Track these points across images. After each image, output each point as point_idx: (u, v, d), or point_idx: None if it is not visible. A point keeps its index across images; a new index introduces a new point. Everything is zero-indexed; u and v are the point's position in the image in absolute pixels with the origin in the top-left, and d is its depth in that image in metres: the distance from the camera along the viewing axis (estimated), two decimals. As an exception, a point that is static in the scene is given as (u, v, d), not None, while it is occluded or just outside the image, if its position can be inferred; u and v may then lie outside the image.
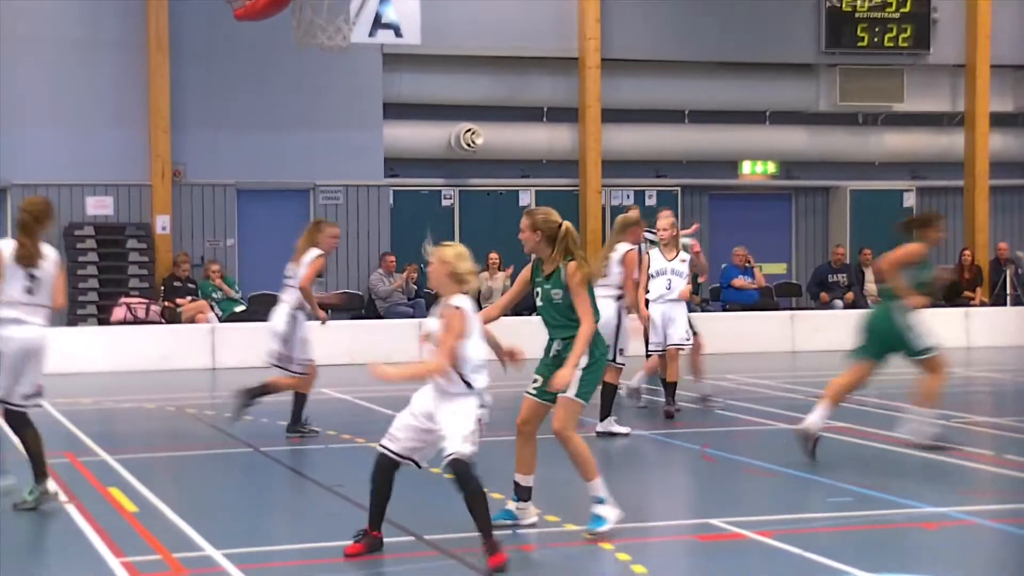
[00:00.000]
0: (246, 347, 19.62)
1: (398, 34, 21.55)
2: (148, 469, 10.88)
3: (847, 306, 22.66)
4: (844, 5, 23.44)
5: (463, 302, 7.79)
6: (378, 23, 20.77)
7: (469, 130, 22.47)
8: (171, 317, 20.11)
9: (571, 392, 8.42)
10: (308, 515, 9.47)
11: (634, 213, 13.38)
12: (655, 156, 23.74)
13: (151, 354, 18.90)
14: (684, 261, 13.84)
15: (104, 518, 8.94)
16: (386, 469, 7.95)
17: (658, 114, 23.61)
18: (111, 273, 20.73)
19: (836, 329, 21.52)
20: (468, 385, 7.81)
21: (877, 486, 9.93)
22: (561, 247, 8.41)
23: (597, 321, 8.46)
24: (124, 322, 19.64)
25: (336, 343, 19.94)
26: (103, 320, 20.10)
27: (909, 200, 24.57)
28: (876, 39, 23.62)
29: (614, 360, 12.12)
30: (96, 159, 20.49)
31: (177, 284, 20.59)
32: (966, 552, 8.29)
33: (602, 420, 12.56)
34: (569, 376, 8.29)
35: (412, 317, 20.94)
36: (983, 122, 23.73)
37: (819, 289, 23.08)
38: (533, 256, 8.78)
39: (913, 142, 24.61)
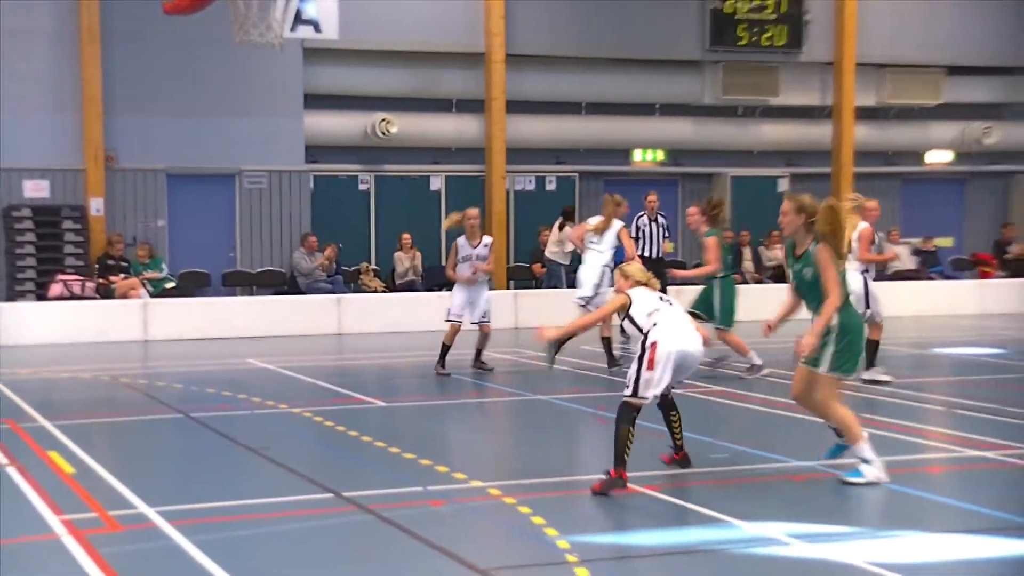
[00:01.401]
0: (176, 320, 19.51)
1: (317, 29, 21.40)
2: (85, 434, 10.79)
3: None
4: (726, 7, 23.68)
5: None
6: (299, 19, 20.63)
7: (384, 119, 22.40)
8: (105, 293, 19.86)
9: (823, 368, 8.59)
10: (235, 475, 9.46)
11: (867, 201, 14.65)
12: (555, 144, 23.84)
13: (87, 327, 18.68)
14: None
15: (44, 480, 8.88)
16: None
17: (558, 106, 23.69)
18: (48, 252, 20.42)
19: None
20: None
21: (751, 444, 10.13)
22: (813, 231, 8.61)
23: (846, 298, 8.63)
24: (61, 298, 19.36)
25: (259, 317, 19.88)
26: (41, 296, 19.81)
27: (783, 185, 24.91)
28: (754, 39, 23.88)
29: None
30: (32, 144, 20.15)
31: (111, 262, 20.34)
32: (828, 501, 8.50)
33: (867, 370, 13.34)
34: (811, 342, 8.50)
35: (332, 292, 20.90)
36: (849, 115, 24.14)
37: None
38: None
39: (787, 133, 24.94)
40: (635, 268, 9.07)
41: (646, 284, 8.88)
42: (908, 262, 24.49)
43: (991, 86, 25.81)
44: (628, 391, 8.55)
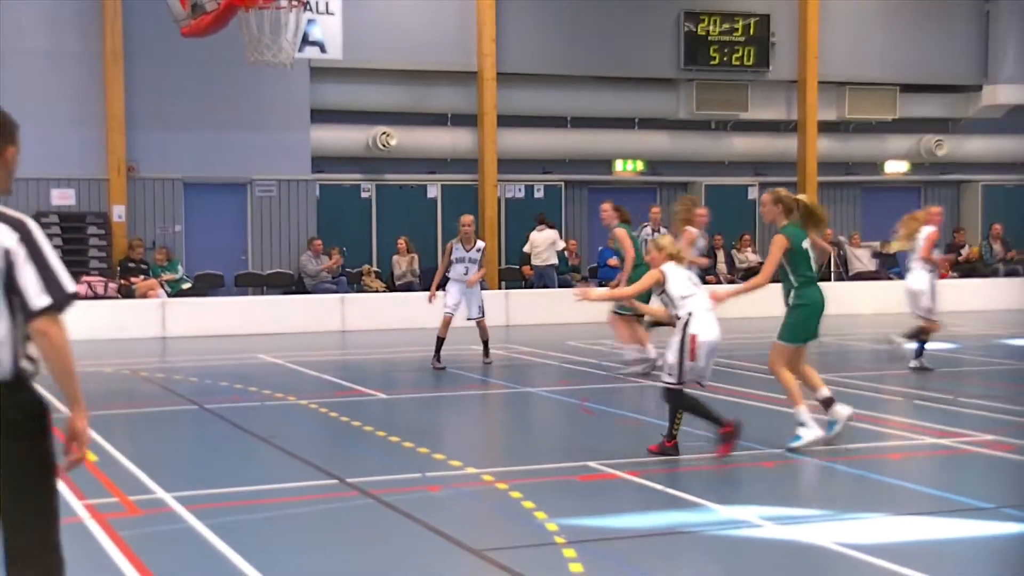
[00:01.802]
0: (192, 318, 19.42)
1: (323, 50, 21.44)
2: (107, 424, 10.69)
3: (704, 282, 22.92)
4: (699, 30, 23.64)
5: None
6: (306, 41, 20.70)
7: (384, 133, 22.34)
8: (126, 293, 19.76)
9: (777, 337, 9.25)
10: (246, 463, 9.38)
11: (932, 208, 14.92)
12: (542, 155, 23.79)
13: (108, 325, 18.56)
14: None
15: (68, 467, 8.78)
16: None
17: (545, 120, 23.65)
18: (73, 255, 20.27)
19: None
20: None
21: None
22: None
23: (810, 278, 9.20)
24: (85, 298, 19.23)
25: (269, 315, 19.80)
26: (67, 295, 19.64)
27: (752, 194, 24.91)
28: (725, 58, 23.85)
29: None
30: (60, 156, 20.05)
31: (131, 265, 20.23)
32: (798, 485, 8.45)
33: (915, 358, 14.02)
34: (716, 296, 9.35)
35: (336, 293, 20.82)
36: (812, 129, 24.11)
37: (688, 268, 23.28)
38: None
39: (756, 145, 24.92)
40: (667, 240, 9.27)
41: (675, 257, 9.06)
42: (868, 264, 24.49)
43: (941, 102, 25.83)
44: (672, 379, 8.71)
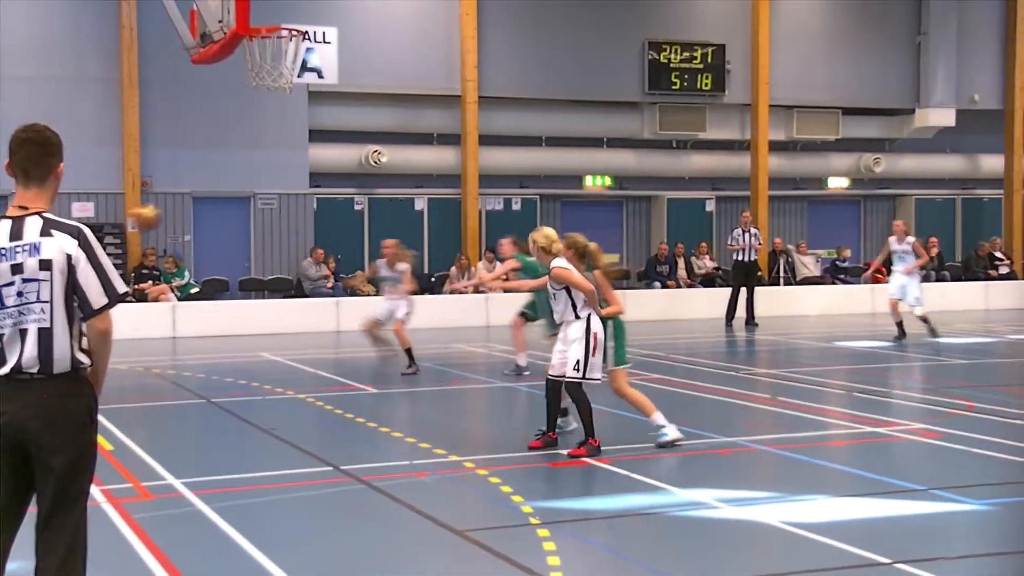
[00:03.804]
0: (200, 320, 19.33)
1: (320, 75, 21.41)
2: (121, 416, 10.64)
3: (664, 286, 23.04)
4: (661, 58, 23.69)
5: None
6: (304, 67, 20.68)
7: (375, 151, 22.29)
8: (140, 297, 19.64)
9: (610, 365, 8.95)
10: (249, 451, 9.34)
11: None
12: (520, 172, 23.78)
13: (123, 326, 18.23)
14: None
15: (86, 456, 8.73)
16: (552, 387, 8.74)
17: (522, 139, 23.64)
18: (92, 262, 20.18)
19: (652, 305, 21.96)
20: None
21: (685, 423, 10.07)
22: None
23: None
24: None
25: (270, 317, 19.74)
26: (85, 299, 19.54)
27: (710, 207, 24.97)
28: (686, 83, 23.90)
29: None
30: (80, 172, 19.87)
31: (144, 272, 20.13)
32: (750, 470, 8.48)
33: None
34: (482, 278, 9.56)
35: (331, 296, 20.77)
36: (764, 148, 24.20)
37: (653, 276, 23.38)
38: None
39: (713, 162, 24.98)
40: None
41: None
42: (814, 269, 24.58)
43: (879, 124, 25.95)
44: (578, 373, 8.58)
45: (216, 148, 21.01)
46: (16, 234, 4.23)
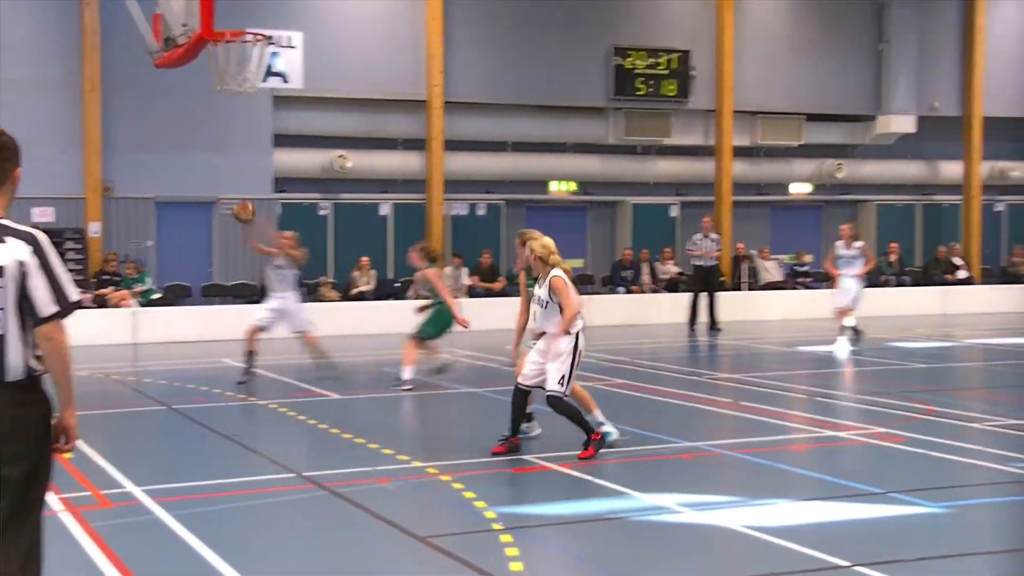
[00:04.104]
0: (161, 326, 19.17)
1: (285, 80, 21.32)
2: (81, 423, 10.42)
3: (629, 292, 23.12)
4: (626, 64, 23.77)
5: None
6: (269, 72, 20.57)
7: (341, 156, 22.22)
8: (101, 303, 19.45)
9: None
10: (211, 459, 9.26)
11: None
12: (485, 177, 23.77)
13: (84, 332, 18.17)
14: None
15: (45, 464, 8.63)
16: (520, 395, 8.82)
17: (487, 144, 23.62)
18: (53, 267, 19.98)
19: (616, 310, 22.04)
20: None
21: (647, 427, 10.12)
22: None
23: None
24: (64, 306, 18.88)
25: (233, 322, 19.58)
26: (46, 305, 19.33)
27: (675, 212, 25.07)
28: (650, 89, 23.99)
29: None
30: (41, 177, 19.61)
31: (106, 277, 19.92)
32: (712, 474, 8.51)
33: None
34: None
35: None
36: (728, 153, 24.33)
37: (618, 281, 23.43)
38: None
39: (678, 168, 25.07)
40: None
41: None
42: (776, 274, 24.74)
43: (841, 130, 26.16)
44: (561, 388, 8.56)
45: (179, 152, 20.86)
46: None
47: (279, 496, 7.69)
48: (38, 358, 4.34)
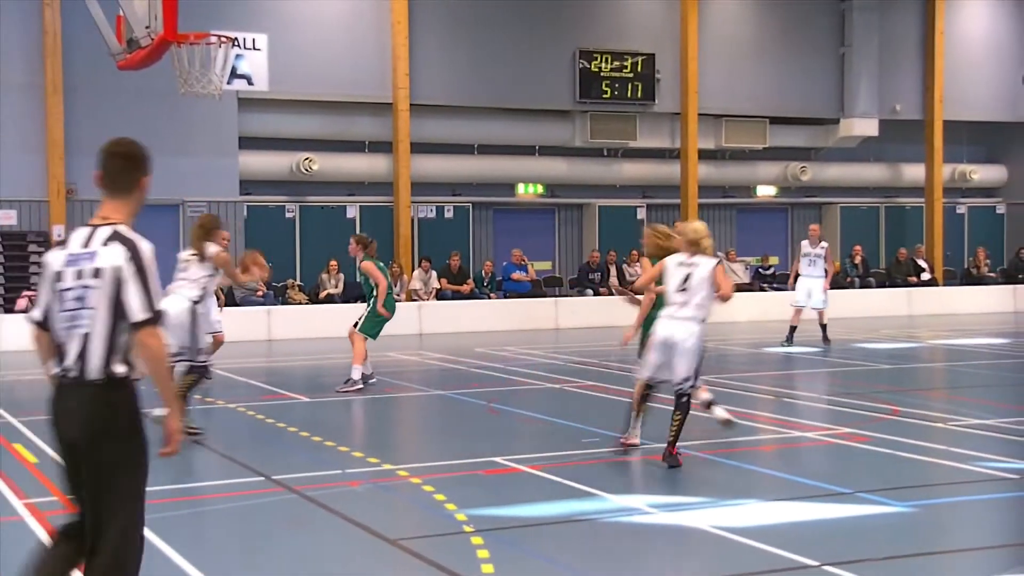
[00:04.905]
0: (128, 329, 18.97)
1: (250, 82, 21.17)
2: (46, 428, 10.39)
3: (596, 294, 23.18)
4: (592, 67, 23.84)
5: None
6: (234, 74, 20.42)
7: (307, 158, 22.13)
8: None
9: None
10: (178, 462, 9.14)
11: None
12: (452, 179, 23.76)
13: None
14: None
15: (9, 469, 8.52)
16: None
17: (454, 147, 23.62)
18: (15, 271, 19.77)
19: (588, 312, 22.10)
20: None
21: (618, 429, 10.13)
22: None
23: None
24: (25, 311, 18.70)
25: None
26: (8, 309, 19.14)
27: (641, 214, 25.16)
28: (616, 92, 24.08)
29: None
30: (3, 180, 19.53)
31: (71, 280, 19.71)
32: (681, 475, 8.53)
33: None
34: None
35: (263, 304, 20.55)
36: (693, 156, 24.46)
37: (585, 283, 23.49)
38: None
39: (643, 170, 25.18)
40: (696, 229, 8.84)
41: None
42: (743, 276, 24.89)
43: (805, 133, 26.38)
44: (692, 384, 8.61)
45: (144, 155, 20.64)
46: (87, 242, 4.49)
47: (248, 500, 7.64)
48: (127, 363, 4.45)
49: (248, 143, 21.66)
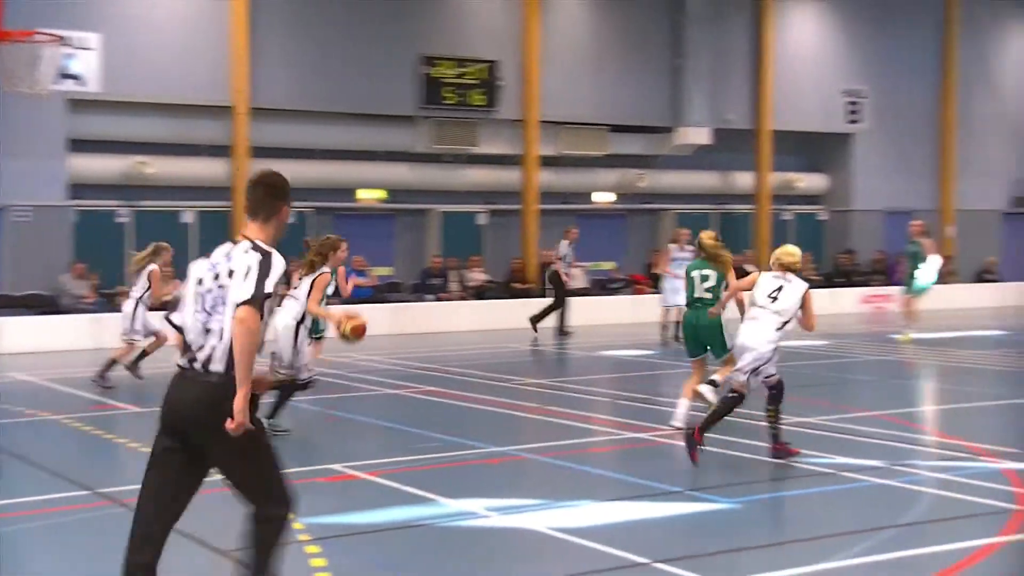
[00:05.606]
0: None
1: (82, 83, 20.35)
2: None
3: (437, 299, 23.17)
4: (434, 73, 23.83)
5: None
6: (64, 73, 19.59)
7: (141, 162, 21.42)
8: None
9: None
10: (-2, 478, 8.74)
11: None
12: (292, 184, 23.01)
13: None
14: None
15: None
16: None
17: (295, 151, 23.21)
18: None
19: (428, 318, 22.05)
20: None
21: (455, 433, 10.15)
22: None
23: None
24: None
25: (23, 335, 18.60)
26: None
27: (481, 220, 25.28)
28: (459, 98, 24.12)
29: None
30: None
31: None
32: (518, 479, 8.61)
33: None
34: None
35: (92, 312, 19.75)
36: (534, 163, 24.71)
37: (427, 288, 23.44)
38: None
39: (485, 176, 25.30)
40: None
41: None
42: (582, 281, 25.26)
43: (643, 141, 26.99)
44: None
45: (-37, 156, 19.61)
46: (228, 253, 4.95)
47: (71, 515, 7.33)
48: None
49: (80, 145, 20.81)
